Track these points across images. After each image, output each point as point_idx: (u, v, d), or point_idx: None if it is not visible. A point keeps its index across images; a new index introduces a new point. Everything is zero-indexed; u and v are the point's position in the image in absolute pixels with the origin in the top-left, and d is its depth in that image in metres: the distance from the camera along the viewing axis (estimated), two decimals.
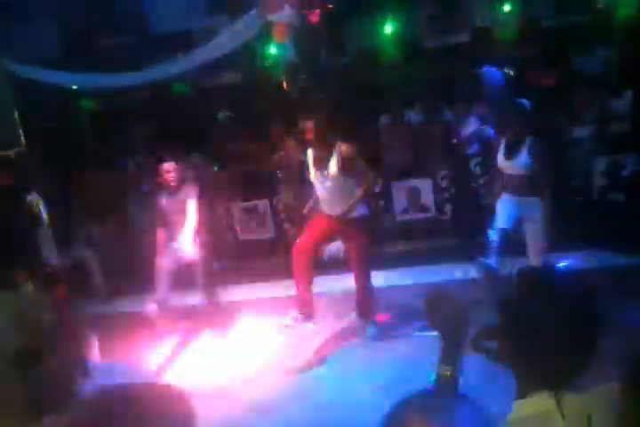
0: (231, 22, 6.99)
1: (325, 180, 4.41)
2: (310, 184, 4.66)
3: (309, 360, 4.41)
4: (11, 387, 0.92)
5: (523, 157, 4.48)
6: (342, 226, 4.41)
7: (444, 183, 6.73)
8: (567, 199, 6.28)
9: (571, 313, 1.21)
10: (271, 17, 7.00)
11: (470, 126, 6.87)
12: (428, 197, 6.75)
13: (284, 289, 5.95)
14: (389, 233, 6.76)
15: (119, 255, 6.79)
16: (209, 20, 8.42)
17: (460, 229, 6.45)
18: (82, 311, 5.31)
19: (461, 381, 1.45)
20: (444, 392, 1.19)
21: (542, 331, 1.20)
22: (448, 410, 1.02)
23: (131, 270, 6.30)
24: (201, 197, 5.14)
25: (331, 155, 4.34)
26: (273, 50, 7.99)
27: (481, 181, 6.51)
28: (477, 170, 6.58)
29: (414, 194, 6.76)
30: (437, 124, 7.24)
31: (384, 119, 7.68)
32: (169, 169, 4.94)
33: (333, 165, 4.34)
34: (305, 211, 4.64)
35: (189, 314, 5.50)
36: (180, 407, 1.03)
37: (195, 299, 5.35)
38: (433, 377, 1.47)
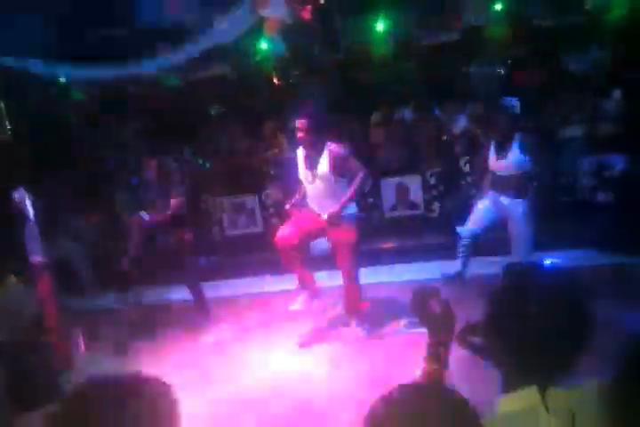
0: (222, 16, 6.95)
1: (315, 179, 4.38)
2: (299, 181, 4.63)
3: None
4: None
5: (515, 154, 4.48)
6: (330, 224, 4.40)
7: (432, 180, 6.74)
8: (554, 199, 6.34)
9: (556, 309, 1.21)
10: (263, 12, 6.98)
11: (460, 124, 6.90)
12: (416, 194, 6.77)
13: (273, 284, 5.98)
14: (377, 230, 6.78)
15: (105, 251, 6.75)
16: (200, 14, 8.36)
17: (449, 226, 6.46)
18: (67, 307, 5.27)
19: (447, 376, 1.46)
20: (430, 387, 1.19)
21: (528, 327, 1.20)
22: (433, 405, 1.02)
23: (117, 266, 6.26)
24: (189, 192, 5.12)
25: (321, 154, 4.32)
26: (264, 45, 7.97)
27: (469, 179, 6.54)
28: (467, 168, 6.60)
29: (403, 191, 6.78)
30: (428, 122, 7.26)
31: (375, 117, 7.69)
32: (153, 164, 4.95)
33: (324, 165, 4.31)
34: (287, 207, 4.59)
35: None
36: (165, 398, 1.03)
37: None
38: (419, 373, 1.48)
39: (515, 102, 4.61)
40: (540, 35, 7.69)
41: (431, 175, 6.76)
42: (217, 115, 8.88)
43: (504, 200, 4.65)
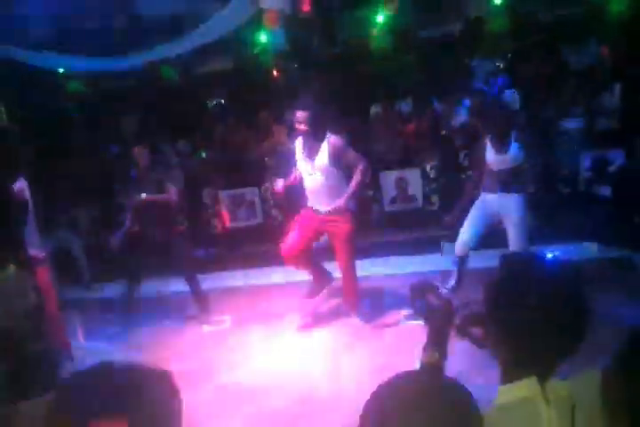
0: (221, 7, 6.91)
1: (314, 171, 4.37)
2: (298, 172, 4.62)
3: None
4: None
5: (513, 148, 4.43)
6: (329, 219, 4.40)
7: (432, 174, 6.74)
8: (554, 192, 6.35)
9: (555, 299, 1.21)
10: (262, 3, 6.94)
11: (460, 118, 6.89)
12: (416, 188, 6.77)
13: (273, 276, 6.00)
14: (377, 223, 6.79)
15: (103, 241, 6.74)
16: (199, 5, 8.31)
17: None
18: (66, 296, 5.28)
19: (446, 367, 1.46)
20: (429, 377, 1.20)
21: (527, 317, 1.20)
22: (432, 394, 1.02)
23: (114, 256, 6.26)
24: (187, 183, 5.12)
25: (320, 146, 4.31)
26: (263, 37, 7.93)
27: (469, 172, 6.53)
28: (466, 161, 6.60)
29: (402, 184, 6.78)
30: (427, 115, 7.25)
31: (374, 109, 7.67)
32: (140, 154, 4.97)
33: (323, 157, 4.30)
34: (279, 187, 4.55)
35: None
36: (165, 387, 1.03)
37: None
38: (418, 364, 1.48)
39: (514, 95, 4.59)
40: (541, 27, 7.66)
41: (430, 168, 6.76)
42: (216, 106, 8.85)
43: (499, 198, 4.51)
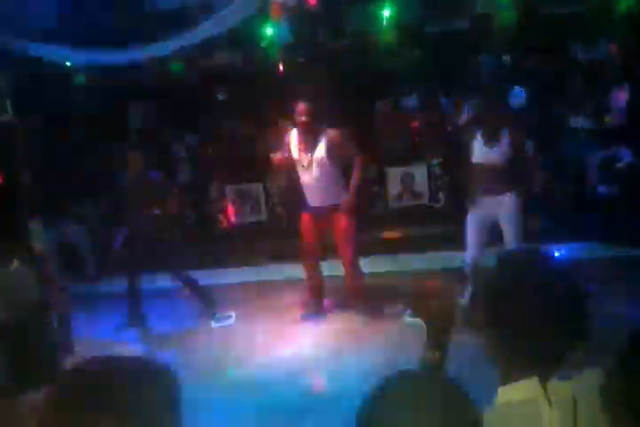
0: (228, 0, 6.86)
1: (311, 164, 4.35)
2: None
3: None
4: None
5: (504, 142, 4.28)
6: (330, 215, 4.39)
7: (438, 170, 6.71)
8: (560, 191, 6.31)
9: (556, 297, 1.20)
10: None
11: (466, 113, 6.84)
12: (421, 184, 6.74)
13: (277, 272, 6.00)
14: (382, 219, 6.76)
15: (109, 235, 6.75)
16: None
17: (453, 216, 6.44)
18: (71, 290, 5.29)
19: (447, 366, 1.45)
20: (430, 376, 1.19)
21: (527, 316, 1.19)
22: (432, 392, 1.01)
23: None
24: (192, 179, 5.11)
25: (319, 139, 4.29)
26: (269, 30, 7.88)
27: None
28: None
29: (408, 180, 6.75)
30: (433, 111, 7.21)
31: (380, 105, 7.63)
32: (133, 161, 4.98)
33: (321, 150, 4.28)
34: (277, 158, 4.52)
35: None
36: (165, 380, 1.02)
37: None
38: (419, 363, 1.47)
39: (521, 92, 4.53)
40: (549, 22, 7.59)
41: (437, 165, 6.72)
42: (221, 101, 8.81)
43: (491, 200, 4.37)
